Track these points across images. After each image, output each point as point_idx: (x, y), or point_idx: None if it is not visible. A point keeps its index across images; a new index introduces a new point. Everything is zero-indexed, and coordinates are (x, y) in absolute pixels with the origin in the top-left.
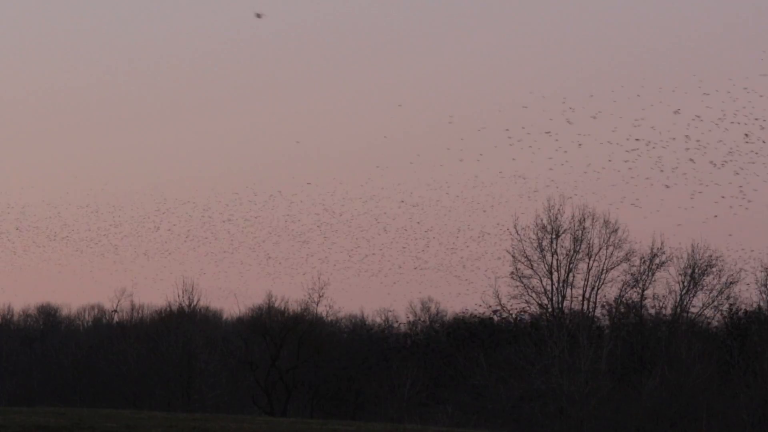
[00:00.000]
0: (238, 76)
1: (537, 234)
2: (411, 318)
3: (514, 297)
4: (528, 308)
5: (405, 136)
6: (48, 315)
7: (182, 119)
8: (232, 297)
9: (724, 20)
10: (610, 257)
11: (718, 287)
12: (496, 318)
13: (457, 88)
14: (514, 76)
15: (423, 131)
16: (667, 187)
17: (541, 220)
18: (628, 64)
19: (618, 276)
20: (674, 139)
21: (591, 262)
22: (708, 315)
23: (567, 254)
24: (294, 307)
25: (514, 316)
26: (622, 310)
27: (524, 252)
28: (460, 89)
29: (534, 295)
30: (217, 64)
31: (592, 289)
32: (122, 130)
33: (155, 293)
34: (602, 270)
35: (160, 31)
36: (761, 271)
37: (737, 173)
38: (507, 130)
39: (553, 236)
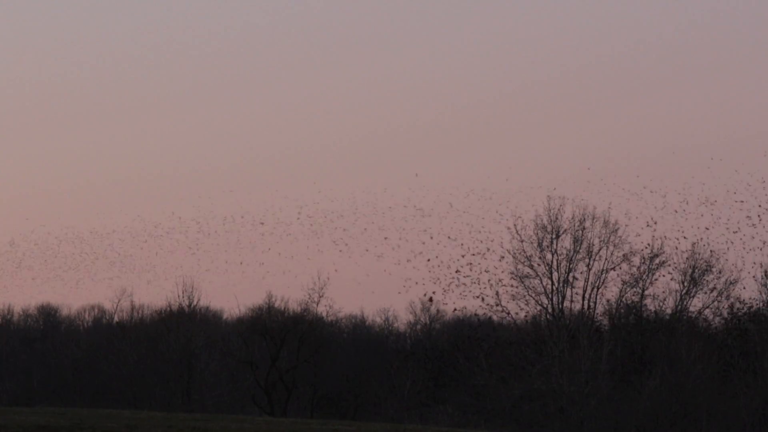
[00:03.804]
0: (240, 74)
1: (537, 234)
2: (411, 318)
3: (514, 297)
4: (528, 310)
5: (404, 135)
6: (48, 315)
7: (181, 117)
8: (232, 297)
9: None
10: (610, 257)
11: (718, 287)
12: (496, 318)
13: (457, 86)
14: (513, 75)
15: (423, 130)
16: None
17: (541, 220)
18: (627, 60)
19: (618, 276)
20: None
21: (591, 262)
22: (708, 315)
23: (567, 254)
24: (294, 307)
25: (514, 318)
26: (622, 310)
27: (524, 252)
28: (461, 88)
29: (534, 295)
30: (222, 59)
31: (593, 289)
32: (122, 128)
33: (155, 293)
34: (602, 270)
35: (157, 28)
36: (761, 271)
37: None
38: (507, 128)
39: (553, 236)
